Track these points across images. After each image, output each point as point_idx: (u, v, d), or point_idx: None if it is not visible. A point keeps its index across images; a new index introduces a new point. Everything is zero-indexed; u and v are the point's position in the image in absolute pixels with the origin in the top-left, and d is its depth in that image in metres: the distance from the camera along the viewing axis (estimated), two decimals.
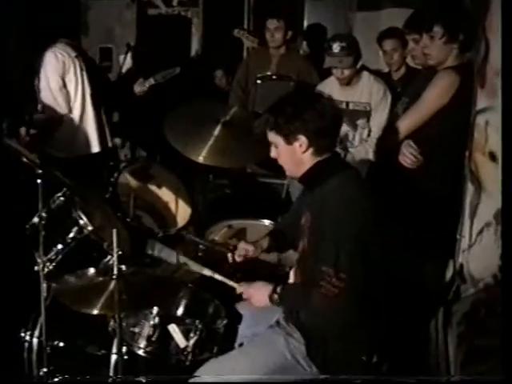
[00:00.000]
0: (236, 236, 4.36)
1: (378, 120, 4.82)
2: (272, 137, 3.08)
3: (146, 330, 3.22)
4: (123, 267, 2.98)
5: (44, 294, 3.24)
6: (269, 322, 3.24)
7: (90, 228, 3.62)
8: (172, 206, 4.62)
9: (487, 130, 3.05)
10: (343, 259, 2.81)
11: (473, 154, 3.18)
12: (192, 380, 3.05)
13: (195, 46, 8.28)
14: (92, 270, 3.33)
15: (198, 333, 3.22)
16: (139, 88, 5.67)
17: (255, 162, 4.69)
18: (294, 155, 3.05)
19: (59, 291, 3.18)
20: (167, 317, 3.26)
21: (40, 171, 3.22)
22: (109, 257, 3.48)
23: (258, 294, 3.20)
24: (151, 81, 5.63)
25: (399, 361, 3.20)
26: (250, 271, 3.69)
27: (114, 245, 2.84)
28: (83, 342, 3.50)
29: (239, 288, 3.31)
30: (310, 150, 3.02)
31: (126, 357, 3.18)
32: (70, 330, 3.46)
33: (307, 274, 3.06)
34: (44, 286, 3.27)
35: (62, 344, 3.46)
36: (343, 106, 4.89)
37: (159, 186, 4.63)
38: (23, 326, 3.54)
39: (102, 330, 3.34)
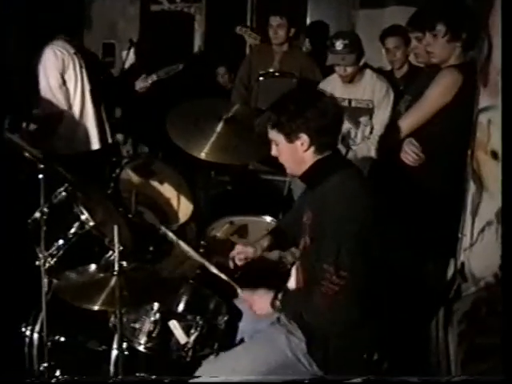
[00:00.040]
0: (237, 232, 4.37)
1: (381, 118, 4.81)
2: (273, 135, 3.08)
3: (147, 326, 3.22)
4: (124, 263, 2.98)
5: (45, 289, 3.25)
6: (269, 318, 3.24)
7: (91, 223, 3.62)
8: (174, 202, 4.62)
9: (490, 129, 3.05)
10: (344, 257, 2.81)
11: (475, 152, 3.19)
12: (193, 380, 3.06)
13: (198, 43, 8.29)
14: (93, 267, 3.33)
15: (198, 329, 3.22)
16: (142, 84, 5.67)
17: (257, 159, 4.69)
18: (295, 153, 3.05)
19: (60, 287, 3.19)
20: (168, 313, 3.26)
21: (42, 166, 3.22)
22: (110, 252, 3.49)
23: (259, 301, 3.20)
24: (154, 77, 5.63)
25: (400, 359, 3.20)
26: (251, 269, 3.69)
27: (116, 241, 2.84)
28: (84, 338, 3.50)
29: (242, 293, 3.32)
30: (312, 149, 3.01)
31: (126, 352, 3.18)
32: (71, 325, 3.46)
33: (309, 271, 3.06)
34: (45, 281, 3.27)
35: (62, 339, 3.46)
36: (345, 103, 4.89)
37: (161, 182, 4.62)
38: (24, 321, 3.54)
39: (102, 325, 3.34)
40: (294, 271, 3.32)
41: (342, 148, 4.69)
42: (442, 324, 3.62)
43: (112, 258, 3.03)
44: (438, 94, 3.97)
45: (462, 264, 3.33)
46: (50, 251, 3.47)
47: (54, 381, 3.36)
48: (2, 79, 4.66)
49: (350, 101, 4.93)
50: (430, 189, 3.97)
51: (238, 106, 4.36)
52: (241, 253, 3.57)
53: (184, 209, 4.61)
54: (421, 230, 3.87)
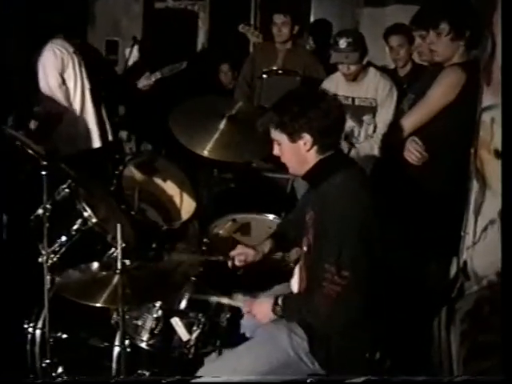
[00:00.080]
0: (240, 230, 4.37)
1: (384, 116, 4.80)
2: (276, 134, 3.07)
3: (149, 323, 3.23)
4: (127, 262, 2.98)
5: (47, 286, 3.25)
6: None
7: (94, 220, 3.62)
8: (177, 199, 4.62)
9: (493, 128, 3.05)
10: (346, 257, 2.82)
11: (478, 151, 3.19)
12: (195, 380, 3.06)
13: (201, 40, 8.29)
14: (96, 265, 3.33)
15: (200, 326, 3.22)
16: (145, 82, 5.68)
17: (260, 157, 4.68)
18: (297, 153, 3.05)
19: (63, 286, 3.18)
20: (170, 310, 3.26)
21: (45, 163, 3.23)
22: (113, 249, 3.49)
23: (260, 310, 3.20)
24: (157, 75, 5.63)
25: (402, 358, 3.20)
26: (253, 267, 3.69)
27: (119, 239, 2.84)
28: (86, 335, 3.50)
29: (244, 307, 3.33)
30: (314, 148, 3.01)
31: (128, 350, 3.18)
32: (73, 322, 3.47)
33: (311, 271, 3.06)
34: (48, 277, 3.27)
35: (64, 336, 3.46)
36: (349, 101, 4.89)
37: (164, 180, 4.62)
38: (26, 318, 3.55)
39: (104, 322, 3.35)
40: (297, 270, 3.32)
41: (345, 146, 4.70)
42: (444, 323, 3.62)
43: (115, 254, 3.02)
44: (442, 92, 3.96)
45: (465, 263, 3.33)
46: (53, 248, 3.47)
47: (57, 380, 3.37)
48: (3, 77, 4.67)
49: (353, 99, 4.93)
50: (432, 187, 3.96)
51: (241, 103, 4.35)
52: (241, 254, 3.57)
53: (187, 206, 4.61)
54: (423, 229, 3.86)
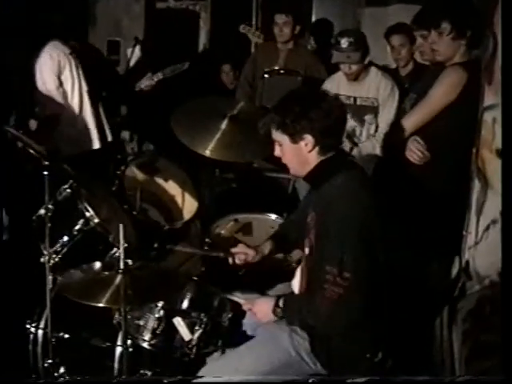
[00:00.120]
0: (242, 230, 4.37)
1: (386, 116, 4.81)
2: (277, 136, 3.07)
3: (151, 323, 3.23)
4: (129, 261, 2.98)
5: (49, 286, 3.25)
6: None
7: (96, 220, 3.62)
8: (178, 199, 4.62)
9: (494, 127, 3.05)
10: (347, 258, 2.81)
11: (480, 150, 3.18)
12: (196, 380, 3.07)
13: (203, 40, 8.29)
14: (98, 265, 3.33)
15: (202, 326, 3.22)
16: (147, 82, 5.68)
17: (262, 157, 4.68)
18: (299, 154, 3.04)
19: (65, 286, 3.18)
20: (172, 310, 3.26)
21: (47, 163, 3.23)
22: (115, 249, 3.49)
23: (261, 310, 3.21)
24: (159, 75, 5.63)
25: (404, 358, 3.20)
26: (255, 267, 3.69)
27: (121, 239, 2.84)
28: (88, 334, 3.50)
29: (245, 305, 3.33)
30: (316, 149, 3.01)
31: (130, 349, 3.18)
32: (75, 322, 3.47)
33: (313, 272, 3.05)
34: (50, 277, 3.28)
35: (66, 336, 3.46)
36: (351, 101, 4.90)
37: (166, 180, 4.63)
38: (28, 318, 3.55)
39: (106, 322, 3.35)
40: (298, 271, 3.32)
41: (347, 145, 4.71)
42: (446, 322, 3.62)
43: (117, 255, 3.02)
44: (443, 92, 3.96)
45: (467, 262, 3.33)
46: (55, 248, 3.47)
47: (59, 380, 3.37)
48: (4, 77, 4.67)
49: (354, 99, 4.93)
50: (434, 187, 3.96)
51: (243, 103, 4.35)
52: (241, 253, 3.58)
53: (188, 206, 4.61)
54: (425, 229, 3.86)
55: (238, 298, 3.39)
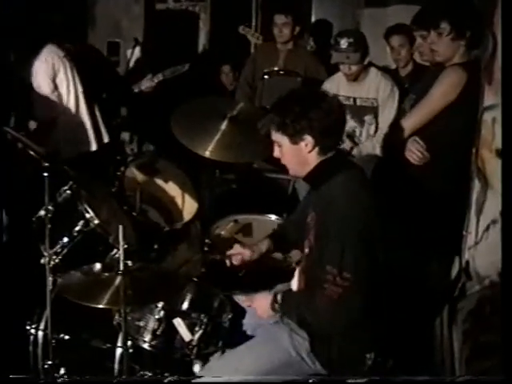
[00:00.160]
0: (242, 231, 4.36)
1: (386, 116, 4.81)
2: (277, 137, 3.07)
3: (151, 324, 3.22)
4: (129, 263, 2.98)
5: (50, 287, 3.25)
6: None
7: (96, 221, 3.62)
8: (178, 200, 4.62)
9: (494, 127, 3.05)
10: (348, 258, 2.81)
11: (480, 150, 3.18)
12: (196, 380, 3.06)
13: (202, 41, 8.30)
14: (98, 266, 3.32)
15: (203, 327, 3.22)
16: (148, 84, 5.68)
17: (262, 157, 4.68)
18: (299, 155, 3.04)
19: (65, 287, 3.18)
20: (172, 311, 3.26)
21: (47, 164, 3.23)
22: (115, 250, 3.49)
23: (260, 306, 3.22)
24: (160, 77, 5.64)
25: (404, 358, 3.21)
26: (255, 266, 3.69)
27: (120, 240, 2.84)
28: (88, 336, 3.50)
29: (244, 301, 3.34)
30: (316, 150, 3.01)
31: (130, 350, 3.18)
32: (75, 323, 3.47)
33: (312, 272, 3.06)
34: (50, 279, 3.28)
35: (67, 337, 3.47)
36: (350, 101, 4.90)
37: (166, 181, 4.62)
38: (28, 319, 3.55)
39: (107, 323, 3.35)
40: (297, 272, 3.32)
41: (348, 145, 4.71)
42: (446, 322, 3.62)
43: (117, 256, 3.02)
44: (442, 92, 3.96)
45: (467, 262, 3.33)
46: (55, 249, 3.47)
47: (59, 380, 3.37)
48: (4, 78, 4.67)
49: (354, 99, 4.93)
50: (434, 187, 3.96)
51: (243, 104, 4.35)
52: (237, 254, 3.59)
53: (188, 207, 4.61)
54: (425, 229, 3.87)
55: (237, 295, 3.39)
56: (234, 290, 3.49)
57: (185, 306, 3.35)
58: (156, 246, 4.10)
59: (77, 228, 3.64)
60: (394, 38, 5.38)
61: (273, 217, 4.45)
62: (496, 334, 2.88)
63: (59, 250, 3.53)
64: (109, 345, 3.39)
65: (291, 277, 3.37)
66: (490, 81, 3.11)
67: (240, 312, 3.40)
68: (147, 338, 3.24)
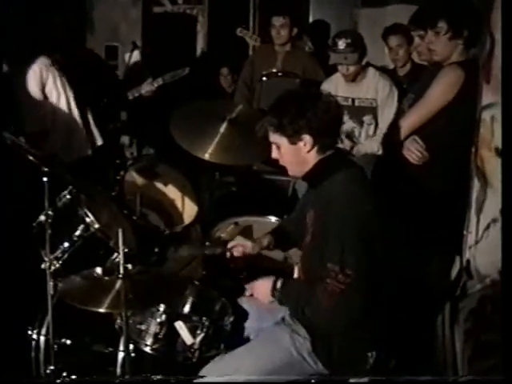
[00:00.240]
0: (242, 233, 4.36)
1: (385, 116, 4.81)
2: (275, 138, 3.07)
3: (153, 328, 3.22)
4: (129, 266, 2.97)
5: (51, 292, 3.25)
6: (274, 317, 3.25)
7: (96, 226, 3.62)
8: (178, 203, 4.62)
9: (493, 126, 3.05)
10: (349, 255, 2.81)
11: (479, 149, 3.18)
12: (197, 380, 3.06)
13: (200, 44, 8.31)
14: (98, 270, 3.32)
15: (204, 330, 3.21)
16: (148, 88, 5.68)
17: (261, 159, 4.68)
18: (298, 155, 3.05)
19: (66, 292, 3.18)
20: (174, 314, 3.26)
21: (46, 169, 3.23)
22: (115, 254, 3.49)
23: (260, 289, 3.24)
24: (159, 81, 5.64)
25: (406, 358, 3.20)
26: (256, 268, 3.69)
27: (120, 244, 2.84)
28: (90, 340, 3.50)
29: (247, 290, 3.35)
30: (315, 149, 3.02)
31: (132, 354, 3.18)
32: (77, 327, 3.46)
33: (311, 271, 3.06)
34: (51, 284, 3.27)
35: (68, 342, 3.46)
36: (349, 102, 4.90)
37: (165, 184, 4.63)
38: (30, 325, 3.54)
39: (108, 327, 3.34)
40: (296, 270, 3.33)
41: (347, 144, 4.72)
42: (448, 322, 3.62)
43: (117, 260, 3.02)
44: (441, 91, 3.97)
45: (468, 261, 3.33)
46: (56, 254, 3.47)
47: (59, 381, 3.36)
48: (4, 84, 4.67)
49: (353, 100, 4.93)
50: (434, 186, 3.97)
51: (242, 106, 4.35)
52: (239, 245, 3.61)
53: (189, 210, 4.61)
54: (425, 228, 3.87)
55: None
56: (235, 291, 3.49)
57: (186, 309, 3.35)
58: (156, 250, 4.10)
59: (77, 232, 3.64)
60: (392, 38, 5.38)
61: (273, 219, 4.45)
62: (498, 333, 2.88)
63: (60, 255, 3.53)
64: (111, 349, 3.38)
65: (288, 277, 3.37)
66: (488, 79, 3.11)
67: (242, 315, 3.40)
68: (149, 341, 3.23)
